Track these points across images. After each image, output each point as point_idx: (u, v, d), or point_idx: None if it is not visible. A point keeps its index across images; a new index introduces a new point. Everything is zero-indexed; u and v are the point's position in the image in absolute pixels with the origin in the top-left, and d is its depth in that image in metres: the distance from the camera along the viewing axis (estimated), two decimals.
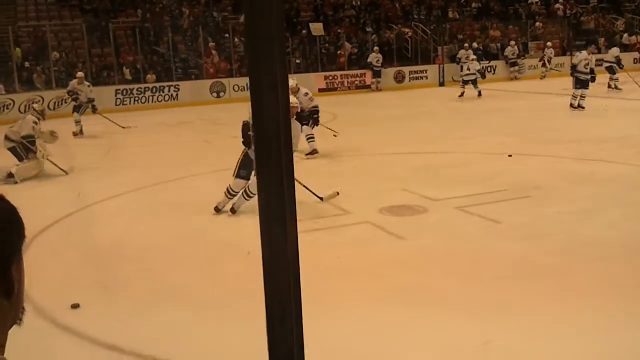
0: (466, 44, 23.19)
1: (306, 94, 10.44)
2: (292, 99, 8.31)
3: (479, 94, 18.55)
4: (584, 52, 14.63)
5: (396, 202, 7.05)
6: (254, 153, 1.53)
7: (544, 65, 24.22)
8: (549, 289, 4.62)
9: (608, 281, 4.73)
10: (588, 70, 14.26)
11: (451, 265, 5.19)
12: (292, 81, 9.46)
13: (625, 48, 26.41)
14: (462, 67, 22.30)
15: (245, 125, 6.89)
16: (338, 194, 7.10)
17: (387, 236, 6.00)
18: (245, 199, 6.74)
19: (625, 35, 27.14)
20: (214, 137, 12.63)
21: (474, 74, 18.78)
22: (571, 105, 14.46)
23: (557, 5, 28.59)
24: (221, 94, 20.38)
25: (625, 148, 9.60)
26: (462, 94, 18.69)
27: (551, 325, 4.02)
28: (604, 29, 27.82)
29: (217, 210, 6.90)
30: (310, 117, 10.22)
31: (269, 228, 1.51)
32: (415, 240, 5.86)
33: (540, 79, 23.53)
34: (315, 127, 10.42)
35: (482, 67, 21.13)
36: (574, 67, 14.48)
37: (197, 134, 13.65)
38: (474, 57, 22.26)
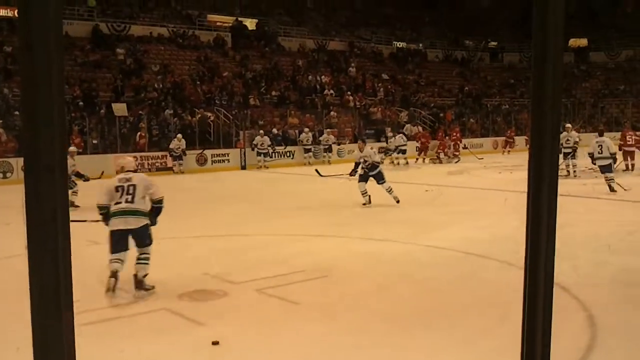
0: (261, 131, 24.10)
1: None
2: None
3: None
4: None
5: (196, 287, 6.89)
6: (28, 236, 1.41)
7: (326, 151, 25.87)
8: None
9: (402, 354, 4.98)
10: None
11: (249, 351, 5.13)
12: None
13: (407, 138, 29.24)
14: (260, 153, 23.24)
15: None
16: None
17: (185, 323, 5.80)
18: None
19: (408, 125, 30.02)
20: None
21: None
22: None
23: (347, 97, 30.97)
24: (8, 174, 18.87)
25: (406, 228, 10.43)
26: None
27: None
28: (390, 120, 30.59)
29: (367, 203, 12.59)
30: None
31: (42, 319, 1.38)
32: (215, 326, 5.73)
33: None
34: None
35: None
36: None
37: None
38: (270, 143, 23.52)
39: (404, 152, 24.76)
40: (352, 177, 13.56)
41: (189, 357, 5.00)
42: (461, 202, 13.93)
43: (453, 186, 17.00)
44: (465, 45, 44.80)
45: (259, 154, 23.74)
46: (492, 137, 32.70)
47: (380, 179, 13.19)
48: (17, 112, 20.70)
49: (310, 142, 25.61)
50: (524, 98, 37.45)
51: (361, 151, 13.39)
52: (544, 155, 1.58)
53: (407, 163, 24.60)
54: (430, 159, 26.03)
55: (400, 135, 25.39)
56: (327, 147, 25.87)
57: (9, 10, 27.00)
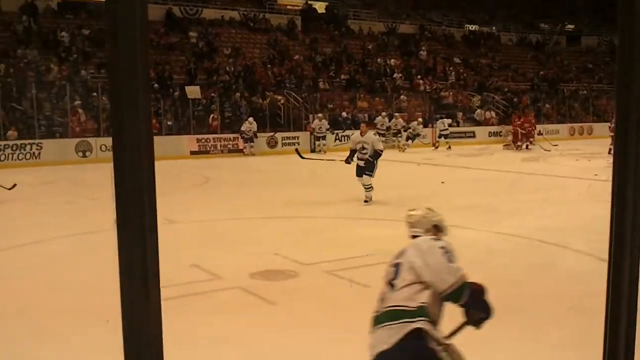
0: (319, 114, 23.99)
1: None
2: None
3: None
4: None
5: (268, 267, 7.02)
6: (117, 214, 1.47)
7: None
8: None
9: (468, 342, 4.93)
10: None
11: (322, 330, 5.20)
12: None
13: (478, 123, 28.79)
14: (319, 137, 23.27)
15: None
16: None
17: (258, 301, 5.93)
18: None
19: (478, 111, 29.40)
20: (76, 199, 12.07)
21: None
22: None
23: (417, 81, 30.54)
24: (87, 153, 19.64)
25: (479, 215, 10.25)
26: None
27: None
28: (461, 104, 30.03)
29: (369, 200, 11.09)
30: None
31: (130, 293, 1.45)
32: (286, 306, 5.84)
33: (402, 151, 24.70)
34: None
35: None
36: None
37: (59, 195, 12.96)
38: (328, 127, 23.39)
39: (446, 136, 25.34)
40: (348, 164, 11.82)
41: (262, 334, 5.11)
42: (536, 189, 13.58)
43: (527, 173, 16.58)
44: (540, 28, 43.32)
45: (317, 138, 23.66)
46: (568, 124, 31.64)
47: (371, 169, 11.38)
48: (95, 94, 21.45)
49: (384, 127, 25.33)
50: (603, 83, 35.98)
51: (362, 135, 11.69)
52: (629, 145, 1.53)
53: (449, 147, 24.65)
54: (505, 145, 25.52)
55: (442, 120, 25.80)
56: (395, 131, 25.65)
57: None
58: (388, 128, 25.53)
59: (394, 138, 25.59)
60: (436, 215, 3.45)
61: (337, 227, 9.46)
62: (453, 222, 9.43)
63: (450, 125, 26.10)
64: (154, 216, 1.45)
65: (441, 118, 26.50)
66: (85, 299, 5.87)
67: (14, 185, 11.82)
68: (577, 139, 29.50)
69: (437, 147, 25.06)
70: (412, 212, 3.39)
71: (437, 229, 3.38)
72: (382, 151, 11.59)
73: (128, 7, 1.33)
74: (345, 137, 24.90)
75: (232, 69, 26.60)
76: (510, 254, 7.81)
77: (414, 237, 3.28)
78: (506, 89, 33.05)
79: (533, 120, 26.38)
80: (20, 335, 5.07)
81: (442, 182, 14.39)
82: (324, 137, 23.65)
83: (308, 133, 24.21)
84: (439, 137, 25.41)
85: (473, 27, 40.20)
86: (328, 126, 23.78)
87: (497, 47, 39.27)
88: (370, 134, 11.80)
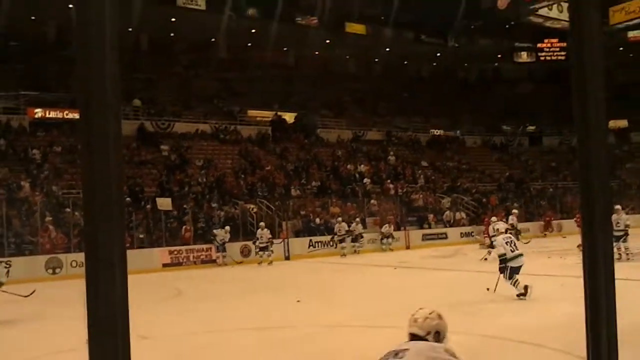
0: (262, 223, 22.54)
1: None
2: None
3: None
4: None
5: None
6: (89, 332, 1.43)
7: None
8: None
9: None
10: None
11: None
12: None
13: (447, 224, 29.10)
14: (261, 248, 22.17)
15: None
16: None
17: None
18: None
19: (447, 212, 29.77)
20: (43, 318, 11.71)
21: None
22: None
23: (387, 185, 31.06)
24: (57, 270, 19.22)
25: (460, 316, 10.10)
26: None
27: None
28: (432, 207, 30.44)
29: None
30: None
31: None
32: None
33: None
34: None
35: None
36: None
37: (25, 314, 12.55)
38: (270, 236, 22.15)
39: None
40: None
41: None
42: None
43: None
44: (503, 130, 44.92)
45: (260, 249, 22.08)
46: (538, 222, 32.15)
47: None
48: (67, 209, 21.31)
49: (342, 232, 24.88)
50: (567, 181, 37.00)
51: None
52: (597, 240, 1.57)
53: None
54: (480, 245, 25.70)
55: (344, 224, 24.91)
56: (354, 236, 25.09)
57: (58, 112, 28.21)
58: (348, 232, 24.88)
59: (352, 243, 24.96)
60: (438, 320, 3.32)
61: (313, 336, 9.25)
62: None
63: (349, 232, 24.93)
64: (127, 333, 1.42)
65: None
66: None
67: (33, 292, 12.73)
68: (548, 237, 29.85)
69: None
70: (420, 311, 3.37)
71: (437, 335, 3.26)
72: None
73: (102, 121, 1.36)
74: (319, 244, 24.90)
75: (204, 179, 26.83)
76: (493, 357, 7.68)
77: (414, 335, 3.23)
78: (474, 190, 33.73)
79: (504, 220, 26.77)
80: None
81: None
82: (265, 248, 21.96)
83: (282, 240, 23.84)
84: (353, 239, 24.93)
85: (438, 132, 41.48)
86: (270, 235, 22.44)
87: (462, 150, 40.45)
88: None
